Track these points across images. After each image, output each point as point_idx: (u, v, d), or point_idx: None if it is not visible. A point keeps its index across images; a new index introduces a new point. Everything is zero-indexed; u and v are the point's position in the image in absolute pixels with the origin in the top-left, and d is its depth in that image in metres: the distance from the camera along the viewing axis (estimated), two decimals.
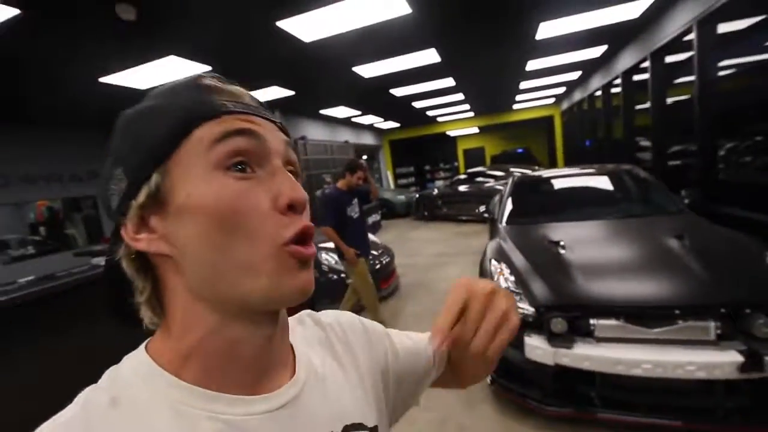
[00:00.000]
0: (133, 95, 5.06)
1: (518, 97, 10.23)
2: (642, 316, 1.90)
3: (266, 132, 0.36)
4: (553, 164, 13.61)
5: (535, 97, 10.58)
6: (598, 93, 7.70)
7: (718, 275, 1.99)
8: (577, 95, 9.72)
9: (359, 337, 0.50)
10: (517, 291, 2.24)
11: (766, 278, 1.93)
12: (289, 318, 0.45)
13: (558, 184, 3.85)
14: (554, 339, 1.98)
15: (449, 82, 7.06)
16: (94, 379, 0.35)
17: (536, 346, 1.99)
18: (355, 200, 3.38)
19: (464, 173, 10.32)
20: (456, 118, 12.99)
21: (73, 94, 4.51)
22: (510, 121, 13.24)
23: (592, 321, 1.97)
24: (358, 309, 3.78)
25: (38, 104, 4.67)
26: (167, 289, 0.34)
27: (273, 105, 6.83)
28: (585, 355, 1.89)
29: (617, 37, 5.51)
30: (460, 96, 8.84)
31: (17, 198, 5.29)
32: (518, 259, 2.49)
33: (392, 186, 14.82)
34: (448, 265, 5.33)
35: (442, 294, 4.32)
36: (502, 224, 3.26)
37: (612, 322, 1.93)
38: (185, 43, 3.65)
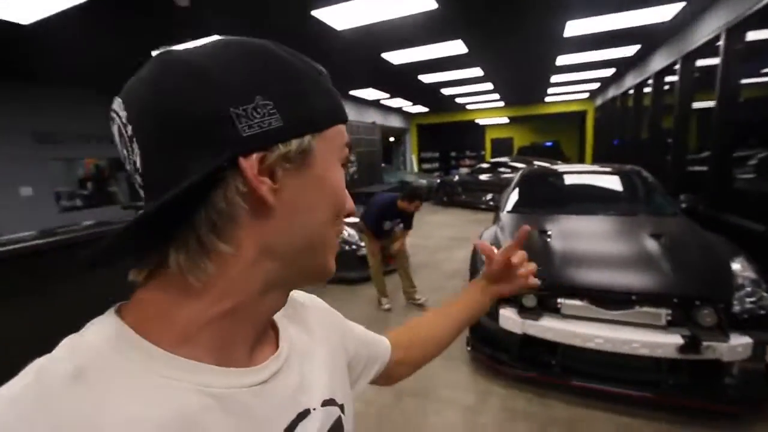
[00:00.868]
0: None
1: (550, 90, 10.13)
2: (603, 299, 2.17)
3: None
4: (581, 160, 13.41)
5: (567, 90, 10.43)
6: (631, 92, 7.60)
7: (680, 271, 2.22)
8: (611, 92, 9.54)
9: (326, 318, 0.53)
10: None
11: (720, 278, 2.15)
12: None
13: (563, 179, 4.05)
14: (524, 312, 2.29)
15: (477, 71, 7.16)
16: None
17: (508, 317, 2.31)
18: (399, 220, 3.66)
19: (487, 162, 10.41)
20: (486, 106, 12.96)
21: (131, 68, 5.00)
22: (541, 113, 13.08)
23: (559, 300, 2.26)
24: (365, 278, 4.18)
25: (102, 73, 5.21)
26: (241, 243, 0.32)
27: None
28: (548, 327, 2.19)
29: (649, 38, 5.48)
30: (489, 85, 8.89)
31: (71, 154, 5.93)
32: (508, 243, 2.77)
33: (416, 170, 15.00)
34: (456, 249, 5.63)
35: (445, 273, 4.65)
36: (503, 212, 3.53)
37: (576, 302, 2.22)
38: (231, 27, 4.02)
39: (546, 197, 3.85)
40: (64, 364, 0.28)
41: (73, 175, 6.34)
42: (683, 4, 4.19)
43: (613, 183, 3.78)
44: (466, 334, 2.73)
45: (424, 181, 11.60)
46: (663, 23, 4.77)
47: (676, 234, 2.71)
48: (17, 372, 0.28)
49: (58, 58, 4.42)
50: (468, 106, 12.74)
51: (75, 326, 0.32)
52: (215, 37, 0.34)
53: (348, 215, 0.40)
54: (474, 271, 2.73)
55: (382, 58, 5.64)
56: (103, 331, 0.31)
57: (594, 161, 11.59)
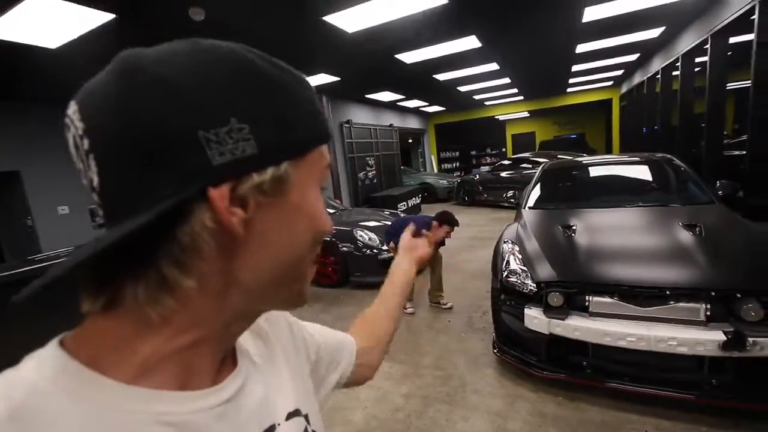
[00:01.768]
0: None
1: (571, 80, 9.82)
2: (634, 295, 2.05)
3: None
4: (608, 152, 12.93)
5: (590, 79, 10.09)
6: (659, 76, 7.26)
7: (719, 262, 2.07)
8: (637, 78, 9.15)
9: (283, 326, 0.50)
10: (523, 269, 2.45)
11: (766, 268, 1.99)
12: None
13: (587, 171, 3.89)
14: (550, 311, 2.19)
15: (493, 66, 7.03)
16: None
17: (534, 317, 2.22)
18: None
19: (508, 159, 10.19)
20: (504, 102, 12.71)
21: None
22: (563, 105, 12.70)
23: (587, 297, 2.15)
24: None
25: None
26: (195, 278, 0.29)
27: (320, 90, 7.25)
28: (576, 326, 2.09)
29: (674, 17, 5.22)
30: (506, 80, 8.71)
31: None
32: (530, 241, 2.68)
33: (435, 170, 14.88)
34: (478, 249, 5.52)
35: (468, 274, 4.55)
36: (525, 209, 3.42)
37: (606, 299, 2.11)
38: (245, 36, 4.10)
39: (569, 191, 3.71)
40: None
41: None
42: None
43: (642, 173, 3.60)
44: (492, 337, 2.65)
45: (444, 182, 11.50)
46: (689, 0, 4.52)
47: (713, 223, 2.54)
48: None
49: (85, 78, 4.63)
50: (486, 103, 12.53)
51: None
52: (186, 41, 0.30)
53: (327, 235, 0.37)
54: (496, 272, 2.65)
55: (396, 59, 5.63)
56: (43, 366, 0.28)
57: (622, 152, 11.14)
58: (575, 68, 8.18)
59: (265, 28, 3.91)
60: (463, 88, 9.09)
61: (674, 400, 1.98)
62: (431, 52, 5.46)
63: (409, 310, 3.66)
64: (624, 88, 11.01)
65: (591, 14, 4.66)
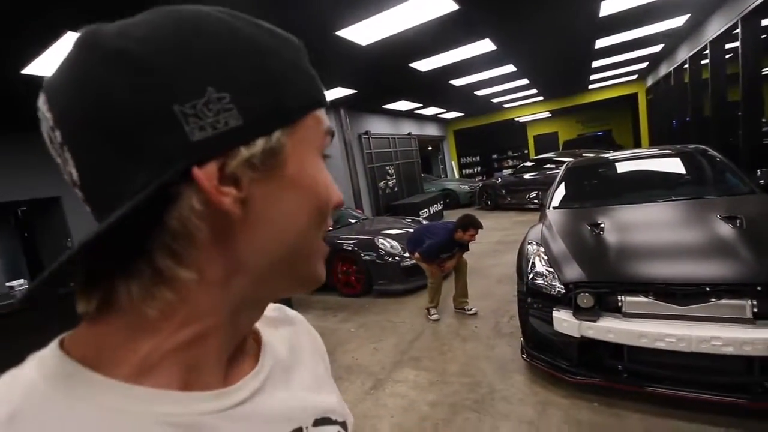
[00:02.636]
0: None
1: (593, 77, 9.57)
2: (671, 293, 1.93)
3: None
4: (637, 147, 12.45)
5: (612, 75, 9.80)
6: (686, 66, 6.96)
7: (765, 255, 1.93)
8: (663, 69, 8.81)
9: (315, 338, 0.49)
10: (550, 271, 2.37)
11: None
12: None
13: (614, 167, 3.74)
14: (580, 312, 2.09)
15: (510, 68, 6.95)
16: None
17: (563, 319, 2.13)
18: (456, 249, 3.54)
19: (531, 160, 9.98)
20: (524, 103, 12.51)
21: None
22: (586, 102, 12.37)
23: (619, 297, 2.05)
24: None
25: None
26: (193, 268, 0.27)
27: (337, 104, 7.37)
28: (608, 327, 1.99)
29: (700, 3, 5.01)
30: (524, 81, 8.58)
31: None
32: (556, 241, 2.59)
33: (456, 176, 14.75)
34: (503, 253, 5.39)
35: (493, 279, 4.45)
36: (549, 209, 3.32)
37: (640, 298, 2.00)
38: None
39: (596, 189, 3.58)
40: None
41: None
42: None
43: (674, 166, 3.44)
44: (521, 341, 2.56)
45: (466, 187, 11.37)
46: None
47: (756, 214, 2.38)
48: None
49: None
50: (505, 105, 12.37)
51: None
52: (149, 12, 0.27)
53: (336, 207, 0.34)
54: (521, 274, 2.57)
55: (411, 68, 5.65)
56: (43, 367, 0.26)
57: (651, 146, 10.70)
58: (596, 64, 7.97)
59: None
60: (480, 93, 9.02)
61: (723, 405, 1.84)
62: (446, 58, 5.46)
63: (434, 317, 3.60)
64: (650, 81, 10.62)
65: (608, 7, 4.54)
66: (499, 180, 9.92)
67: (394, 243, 4.58)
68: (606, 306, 2.09)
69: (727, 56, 5.60)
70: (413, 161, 10.93)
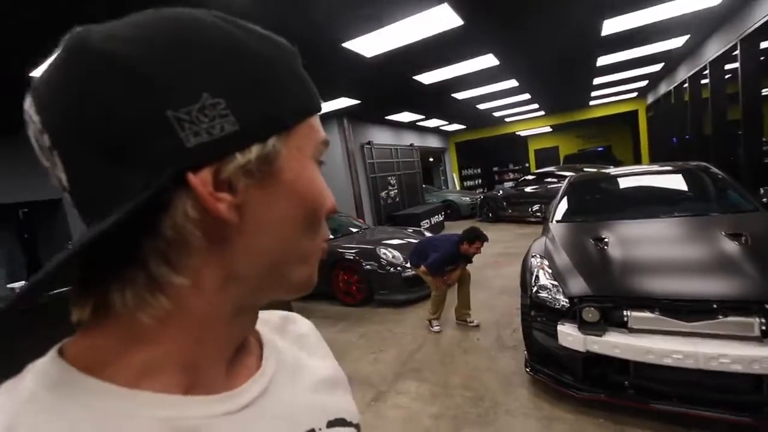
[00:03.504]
0: None
1: (594, 93, 9.69)
2: (678, 309, 1.93)
3: None
4: (637, 163, 12.54)
5: (613, 92, 9.92)
6: (686, 85, 7.06)
7: None
8: (663, 88, 8.94)
9: (322, 343, 0.49)
10: (554, 284, 2.36)
11: None
12: (268, 311, 0.44)
13: (616, 183, 3.77)
14: (585, 327, 2.08)
15: (512, 83, 7.03)
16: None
17: (568, 333, 2.11)
18: (462, 262, 3.55)
19: (532, 174, 10.04)
20: (525, 117, 12.64)
21: None
22: (586, 118, 12.50)
23: (625, 312, 2.04)
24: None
25: None
26: (188, 274, 0.27)
27: (341, 113, 7.43)
28: (614, 343, 1.97)
29: (699, 25, 5.11)
30: (526, 96, 8.68)
31: None
32: (560, 254, 2.59)
33: (457, 188, 14.81)
34: (505, 265, 5.38)
35: (494, 291, 4.43)
36: (552, 223, 3.32)
37: (646, 314, 1.99)
38: None
39: (598, 203, 3.60)
40: None
41: None
42: None
43: (676, 182, 3.45)
44: (524, 355, 2.54)
45: (467, 199, 11.40)
46: (713, 7, 4.42)
47: (761, 231, 2.39)
48: None
49: None
50: (507, 119, 12.49)
51: None
52: (140, 14, 0.27)
53: (330, 212, 0.34)
54: (525, 287, 2.56)
55: (414, 80, 5.72)
56: (42, 375, 0.26)
57: (652, 163, 10.78)
58: (597, 81, 8.08)
59: None
60: (482, 106, 9.11)
61: (730, 424, 1.82)
62: (449, 71, 5.53)
63: (436, 329, 3.57)
64: (650, 99, 10.75)
65: (610, 27, 4.62)
66: (501, 192, 9.95)
67: (396, 253, 4.57)
68: (611, 321, 2.09)
69: (726, 76, 5.68)
70: (415, 172, 10.97)
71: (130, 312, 0.26)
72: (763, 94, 4.79)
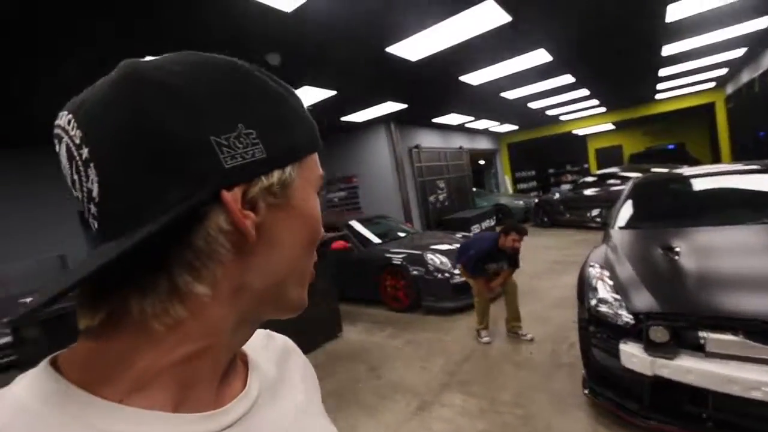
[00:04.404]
0: None
1: (660, 86, 8.85)
2: (767, 332, 1.66)
3: None
4: (716, 161, 11.26)
5: (683, 83, 8.99)
6: None
7: None
8: (746, 76, 7.94)
9: (307, 368, 0.49)
10: (616, 298, 2.15)
11: None
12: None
13: (690, 185, 3.38)
14: (653, 348, 1.87)
15: (568, 78, 6.63)
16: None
17: (632, 354, 1.91)
18: (504, 262, 3.39)
19: (592, 175, 9.39)
20: (583, 115, 11.87)
21: None
22: (654, 113, 11.45)
23: (701, 333, 1.80)
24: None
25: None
26: (209, 284, 0.29)
27: (388, 118, 7.46)
28: (688, 368, 1.75)
29: None
30: (584, 92, 8.16)
31: None
32: (623, 264, 2.36)
33: (510, 191, 14.26)
34: (561, 274, 5.05)
35: (549, 302, 4.17)
36: (614, 229, 3.05)
37: (728, 336, 1.74)
38: (316, 75, 4.42)
39: (668, 208, 3.25)
40: None
41: None
42: None
43: (764, 183, 3.02)
44: (582, 374, 2.34)
45: (520, 202, 10.93)
46: None
47: None
48: None
49: None
50: (562, 117, 11.81)
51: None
52: (181, 54, 0.31)
53: (320, 240, 0.38)
54: (583, 300, 2.37)
55: (461, 82, 5.59)
56: (33, 385, 0.26)
57: (734, 160, 9.61)
58: (663, 72, 7.37)
59: (334, 65, 4.16)
60: (534, 105, 8.70)
61: None
62: (497, 70, 5.33)
63: (485, 339, 3.43)
64: (729, 89, 9.61)
65: (676, 12, 4.18)
66: (557, 196, 9.42)
67: (444, 259, 4.47)
68: (684, 342, 1.85)
69: None
70: (464, 175, 10.73)
71: (145, 320, 0.28)
72: None
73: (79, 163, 0.28)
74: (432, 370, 3.07)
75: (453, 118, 8.94)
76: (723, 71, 8.30)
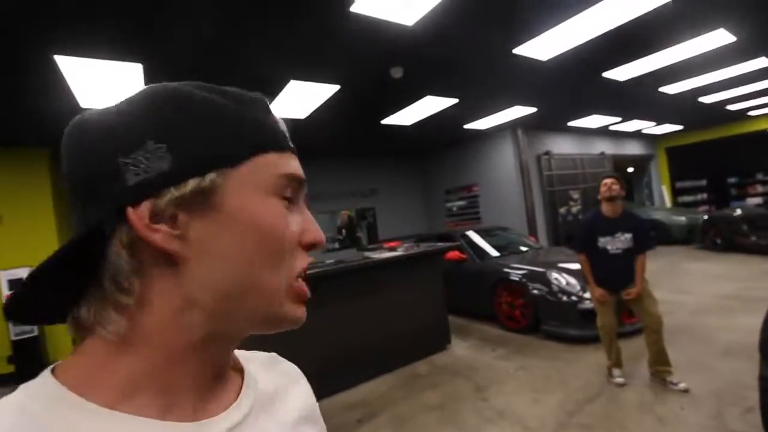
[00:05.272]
0: (402, 130, 6.40)
1: None
2: None
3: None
4: None
5: None
6: None
7: None
8: None
9: (309, 399, 0.47)
10: None
11: None
12: (260, 352, 0.47)
13: None
14: None
15: (760, 62, 5.18)
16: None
17: None
18: (620, 233, 2.86)
19: None
20: None
21: (361, 134, 6.31)
22: None
23: None
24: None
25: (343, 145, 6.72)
26: (150, 295, 0.30)
27: (514, 124, 7.01)
28: None
29: None
30: None
31: (330, 208, 7.96)
32: None
33: (668, 204, 11.88)
34: (737, 313, 3.92)
35: (717, 346, 3.27)
36: None
37: None
38: (438, 85, 4.44)
39: None
40: None
41: (333, 224, 8.25)
42: None
43: None
44: (756, 410, 1.76)
45: (682, 218, 9.03)
46: None
47: None
48: None
49: (319, 138, 6.01)
50: (750, 113, 9.29)
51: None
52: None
53: (310, 246, 0.36)
54: (767, 350, 1.78)
55: (604, 78, 4.89)
56: (33, 391, 0.29)
57: None
58: None
59: (457, 72, 4.10)
60: (707, 99, 7.04)
61: None
62: (654, 61, 4.48)
63: (618, 380, 2.88)
64: None
65: None
66: (739, 212, 7.45)
67: (572, 280, 3.94)
68: None
69: None
70: None
71: (94, 327, 0.30)
72: None
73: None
74: (547, 403, 2.72)
75: (592, 121, 7.88)
76: None
